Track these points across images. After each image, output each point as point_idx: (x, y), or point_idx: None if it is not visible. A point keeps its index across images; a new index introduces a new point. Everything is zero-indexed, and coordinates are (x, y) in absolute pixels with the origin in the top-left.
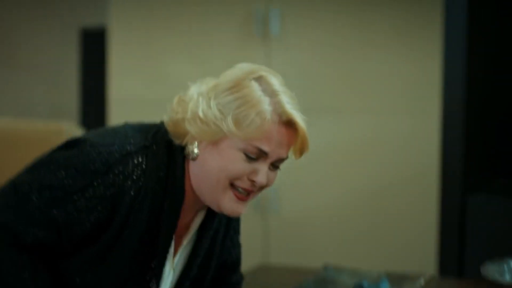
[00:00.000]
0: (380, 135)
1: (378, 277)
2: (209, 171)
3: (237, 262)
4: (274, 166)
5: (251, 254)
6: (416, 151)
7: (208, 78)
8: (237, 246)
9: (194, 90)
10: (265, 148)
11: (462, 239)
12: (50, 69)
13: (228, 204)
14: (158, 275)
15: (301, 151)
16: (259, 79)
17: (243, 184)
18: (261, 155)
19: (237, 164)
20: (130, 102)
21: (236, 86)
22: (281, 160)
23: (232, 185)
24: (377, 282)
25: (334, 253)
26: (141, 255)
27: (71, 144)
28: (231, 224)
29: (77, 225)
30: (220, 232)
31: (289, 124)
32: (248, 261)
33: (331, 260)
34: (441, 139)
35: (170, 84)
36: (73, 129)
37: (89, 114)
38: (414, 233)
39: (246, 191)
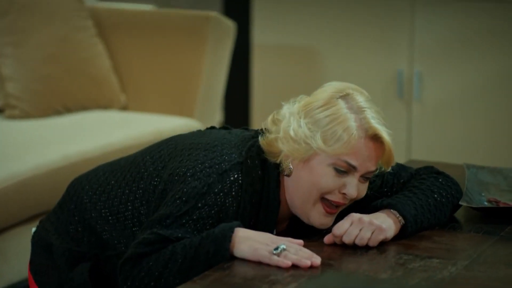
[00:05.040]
0: None
1: None
2: (302, 186)
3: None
4: (364, 177)
5: (396, 142)
6: None
7: (300, 96)
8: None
9: (286, 110)
10: (353, 162)
11: None
12: None
13: (317, 218)
14: None
15: (388, 163)
16: (346, 97)
17: (334, 197)
18: (350, 169)
19: (328, 179)
20: None
21: (324, 105)
22: (371, 172)
23: (322, 198)
24: None
25: (474, 142)
26: None
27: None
28: None
29: None
30: None
31: (375, 138)
32: (394, 149)
33: (471, 148)
34: None
35: None
36: (219, 18)
37: (232, 7)
38: None
39: (336, 204)
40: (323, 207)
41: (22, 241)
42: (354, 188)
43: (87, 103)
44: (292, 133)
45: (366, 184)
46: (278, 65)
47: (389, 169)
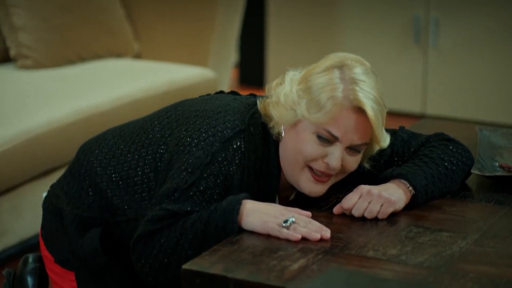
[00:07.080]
0: None
1: None
2: (289, 151)
3: (395, 150)
4: (352, 150)
5: (412, 88)
6: None
7: (313, 65)
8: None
9: (289, 76)
10: (335, 132)
11: None
12: None
13: (306, 184)
14: None
15: (376, 141)
16: (342, 67)
17: (319, 166)
18: (333, 138)
19: (310, 146)
20: None
21: (321, 72)
22: (357, 145)
23: (309, 167)
24: None
25: (490, 88)
26: None
27: (191, 149)
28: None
29: None
30: None
31: (359, 110)
32: (409, 94)
33: (487, 93)
34: None
35: None
36: None
37: None
38: None
39: (322, 174)
40: (311, 174)
41: (34, 197)
42: (337, 159)
43: (101, 52)
44: (282, 98)
45: (356, 157)
46: (294, 9)
47: (386, 144)
